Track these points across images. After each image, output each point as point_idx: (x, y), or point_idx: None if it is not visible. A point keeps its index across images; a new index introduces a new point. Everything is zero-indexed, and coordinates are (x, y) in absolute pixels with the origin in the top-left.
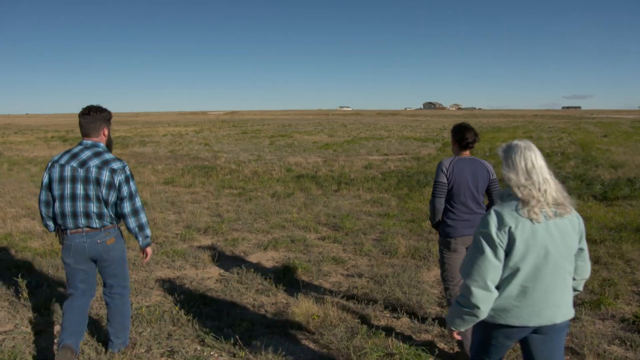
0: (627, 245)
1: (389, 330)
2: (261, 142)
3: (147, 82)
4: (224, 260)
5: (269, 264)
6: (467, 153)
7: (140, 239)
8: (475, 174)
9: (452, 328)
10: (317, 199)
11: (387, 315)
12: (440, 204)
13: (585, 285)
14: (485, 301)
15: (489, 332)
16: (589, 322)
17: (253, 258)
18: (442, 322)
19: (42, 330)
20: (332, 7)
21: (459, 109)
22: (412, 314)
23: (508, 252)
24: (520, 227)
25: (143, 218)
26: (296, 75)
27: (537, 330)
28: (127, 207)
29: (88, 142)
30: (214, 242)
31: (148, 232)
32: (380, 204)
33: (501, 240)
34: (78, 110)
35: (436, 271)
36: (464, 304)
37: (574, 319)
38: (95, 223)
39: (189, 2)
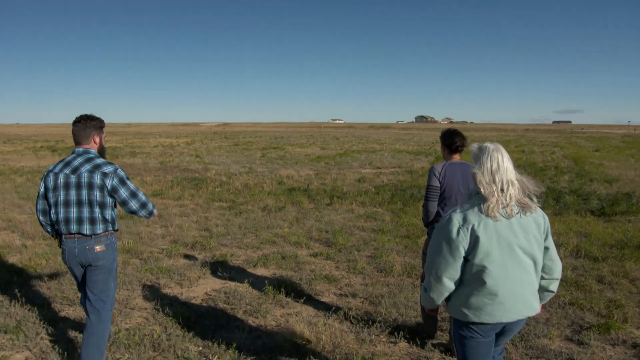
0: (631, 263)
1: (386, 356)
2: (253, 154)
3: (140, 93)
4: (211, 278)
5: (258, 283)
6: (457, 157)
7: (148, 217)
8: (465, 177)
9: (422, 305)
10: (309, 213)
11: (384, 339)
12: (433, 207)
13: (592, 307)
14: (435, 290)
15: (467, 330)
16: (599, 348)
17: (242, 276)
18: (442, 348)
19: (8, 356)
20: (324, 19)
21: (451, 122)
22: (410, 339)
23: (472, 250)
24: (483, 225)
25: (150, 206)
26: (289, 87)
27: (505, 327)
28: (134, 205)
29: (80, 149)
30: (202, 258)
31: (155, 211)
32: (374, 218)
33: (462, 238)
34: (69, 120)
35: None
36: (426, 288)
37: (582, 345)
38: (87, 229)
39: (181, 14)
